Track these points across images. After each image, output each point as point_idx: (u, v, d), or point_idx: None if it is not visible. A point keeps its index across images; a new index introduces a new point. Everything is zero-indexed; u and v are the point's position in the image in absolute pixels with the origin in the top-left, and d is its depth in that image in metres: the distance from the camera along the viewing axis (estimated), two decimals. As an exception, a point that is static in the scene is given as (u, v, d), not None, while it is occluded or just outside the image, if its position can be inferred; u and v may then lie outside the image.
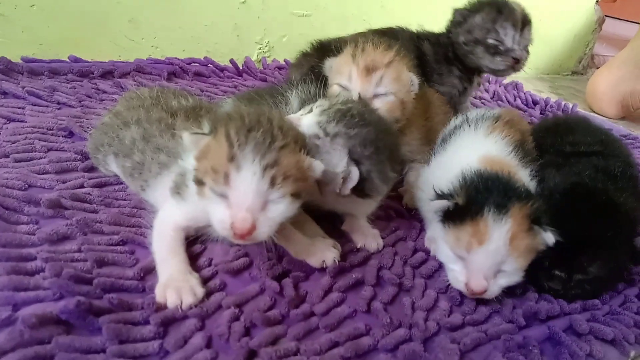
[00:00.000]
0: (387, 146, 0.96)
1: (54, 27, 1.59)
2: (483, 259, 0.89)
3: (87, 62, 1.62)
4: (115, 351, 0.72)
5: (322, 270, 0.95)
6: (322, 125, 0.92)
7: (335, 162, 0.91)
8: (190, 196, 0.88)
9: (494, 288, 0.92)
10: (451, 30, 1.56)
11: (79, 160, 1.14)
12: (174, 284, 0.83)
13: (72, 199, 1.00)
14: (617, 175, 1.07)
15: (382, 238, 1.09)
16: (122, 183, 1.09)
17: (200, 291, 0.84)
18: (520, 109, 2.12)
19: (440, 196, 0.95)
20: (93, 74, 1.58)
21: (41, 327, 0.72)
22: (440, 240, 0.97)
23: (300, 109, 1.10)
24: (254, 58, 1.97)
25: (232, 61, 1.85)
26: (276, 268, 0.92)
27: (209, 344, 0.77)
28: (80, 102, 1.42)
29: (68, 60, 1.61)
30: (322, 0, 2.04)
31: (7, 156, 1.11)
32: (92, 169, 1.13)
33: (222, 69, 1.83)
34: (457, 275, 0.93)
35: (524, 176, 1.11)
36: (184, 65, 1.75)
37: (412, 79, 1.19)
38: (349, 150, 0.92)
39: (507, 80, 2.39)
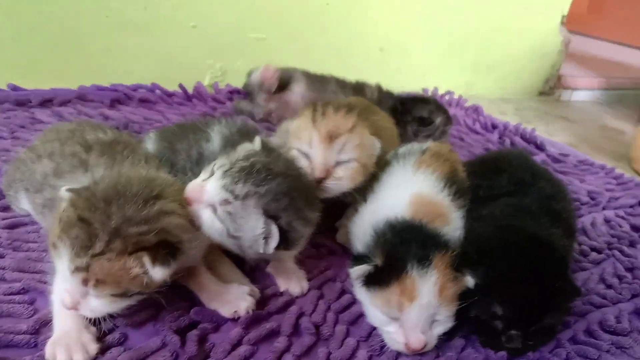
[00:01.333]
0: (301, 190, 0.93)
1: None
2: (417, 315, 0.86)
3: (25, 90, 1.57)
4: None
5: (236, 320, 0.91)
6: (229, 188, 0.87)
7: (253, 224, 0.87)
8: None
9: (432, 340, 0.89)
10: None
11: (-7, 199, 1.10)
12: (65, 341, 0.79)
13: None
14: (534, 211, 1.05)
15: (310, 279, 1.05)
16: (36, 223, 1.05)
17: (93, 348, 0.79)
18: (478, 133, 2.10)
19: (357, 259, 0.92)
20: (31, 102, 1.53)
21: None
22: (368, 306, 0.93)
23: (221, 146, 1.07)
24: (205, 83, 1.94)
25: (181, 86, 1.82)
26: (182, 319, 0.88)
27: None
28: (12, 133, 1.37)
29: (7, 88, 1.57)
30: (277, 21, 2.01)
31: None
32: (7, 208, 1.09)
33: (170, 95, 1.79)
34: (394, 336, 0.89)
35: (457, 219, 1.09)
36: (129, 91, 1.71)
37: (374, 143, 1.15)
38: (263, 210, 0.87)
39: (469, 103, 2.38)
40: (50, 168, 0.98)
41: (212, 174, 0.90)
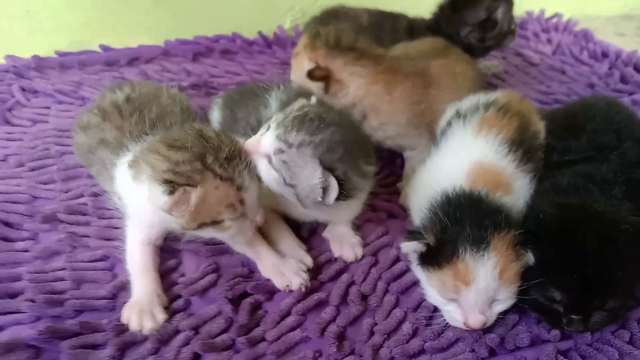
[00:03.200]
0: (355, 142, 0.93)
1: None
2: (475, 298, 0.85)
3: (114, 50, 1.68)
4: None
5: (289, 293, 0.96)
6: (282, 138, 0.89)
7: (309, 174, 0.89)
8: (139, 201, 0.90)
9: (492, 318, 0.88)
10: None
11: (84, 166, 1.22)
12: (138, 307, 0.89)
13: (67, 212, 1.08)
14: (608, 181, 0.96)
15: (366, 245, 1.07)
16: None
17: (161, 317, 0.89)
18: (585, 63, 1.89)
19: (410, 234, 0.91)
20: (120, 62, 1.64)
21: (10, 353, 0.82)
22: (425, 284, 0.92)
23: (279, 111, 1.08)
24: (286, 26, 1.92)
25: (260, 33, 1.82)
26: (238, 288, 0.95)
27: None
28: (103, 95, 1.49)
29: (100, 49, 1.68)
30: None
31: (22, 165, 1.21)
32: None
33: (250, 43, 1.81)
34: (454, 315, 0.88)
35: (522, 187, 1.02)
36: (210, 43, 1.75)
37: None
38: (319, 159, 0.89)
39: (579, 26, 2.13)
40: (86, 143, 1.08)
41: (268, 128, 0.94)
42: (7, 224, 1.04)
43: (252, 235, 0.98)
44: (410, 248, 0.89)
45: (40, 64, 1.57)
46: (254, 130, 1.04)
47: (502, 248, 0.84)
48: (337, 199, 0.91)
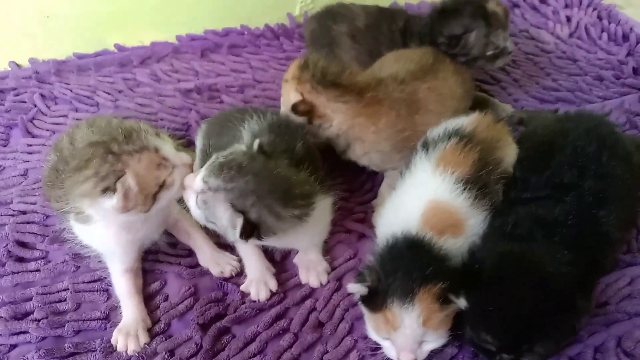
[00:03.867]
0: (273, 190, 0.99)
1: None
2: (403, 340, 0.95)
3: (128, 49, 1.78)
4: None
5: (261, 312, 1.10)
6: (205, 180, 0.98)
7: (221, 215, 0.98)
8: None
9: (422, 355, 0.97)
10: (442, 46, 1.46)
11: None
12: (125, 331, 1.05)
13: (71, 232, 1.22)
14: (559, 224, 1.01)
15: (334, 268, 1.18)
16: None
17: (143, 340, 1.04)
18: (602, 48, 1.83)
19: (359, 275, 1.00)
20: (133, 62, 1.74)
21: (18, 371, 1.00)
22: (366, 322, 1.02)
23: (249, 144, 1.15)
24: (295, 14, 1.94)
25: (266, 26, 1.86)
26: (208, 313, 1.08)
27: (138, 388, 0.99)
28: (115, 101, 1.61)
29: (114, 48, 1.78)
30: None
31: (39, 181, 1.36)
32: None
33: (258, 36, 1.86)
34: (389, 350, 0.98)
35: (476, 225, 1.08)
36: (218, 39, 1.82)
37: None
38: (230, 203, 0.97)
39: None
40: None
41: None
42: (22, 244, 1.21)
43: (194, 229, 1.18)
44: (354, 290, 0.99)
45: (59, 68, 1.69)
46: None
47: (427, 300, 0.92)
48: (252, 237, 0.99)
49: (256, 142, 1.02)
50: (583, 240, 1.02)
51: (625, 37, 1.85)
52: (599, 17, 1.97)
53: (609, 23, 1.93)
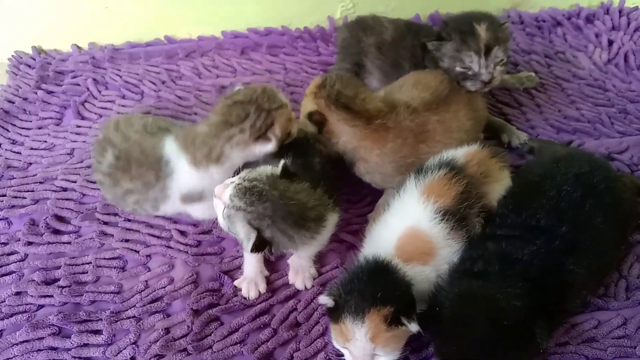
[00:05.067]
0: (287, 216, 1.11)
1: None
2: (356, 351, 1.06)
3: (176, 42, 1.93)
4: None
5: (248, 307, 1.24)
6: (232, 198, 1.11)
7: (240, 229, 1.12)
8: None
9: None
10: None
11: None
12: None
13: (102, 211, 1.41)
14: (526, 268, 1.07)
15: (321, 274, 1.30)
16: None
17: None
18: (638, 79, 1.80)
19: (330, 288, 1.11)
20: (178, 54, 1.89)
21: (38, 329, 1.20)
22: (331, 329, 1.12)
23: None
24: (336, 17, 2.02)
25: (305, 29, 1.96)
26: (202, 302, 1.23)
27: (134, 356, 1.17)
28: (157, 92, 1.77)
29: (164, 40, 1.94)
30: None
31: (82, 161, 1.55)
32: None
33: (297, 37, 1.96)
34: (348, 358, 1.09)
35: (448, 255, 1.16)
36: (258, 38, 1.94)
37: None
38: (247, 221, 1.11)
39: None
40: None
41: (234, 181, 1.15)
42: (59, 218, 1.41)
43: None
44: (322, 301, 1.10)
45: (113, 55, 1.87)
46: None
47: (375, 320, 1.02)
48: (270, 252, 1.14)
49: (281, 163, 1.14)
50: (545, 284, 1.08)
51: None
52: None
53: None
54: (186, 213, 1.34)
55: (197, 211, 1.33)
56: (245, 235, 1.11)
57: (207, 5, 1.93)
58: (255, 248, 1.10)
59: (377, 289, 1.05)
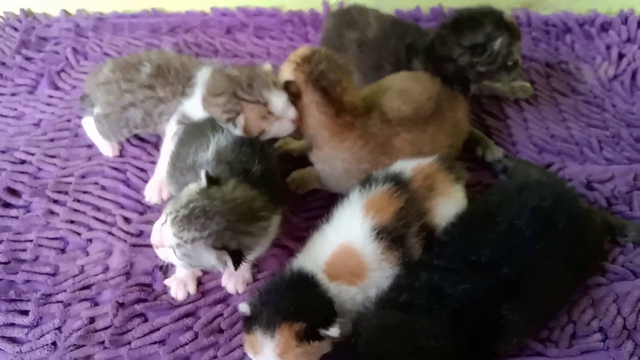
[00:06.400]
0: (240, 217, 1.06)
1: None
2: None
3: (161, 15, 1.88)
4: None
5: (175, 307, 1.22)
6: (178, 235, 1.04)
7: (207, 259, 1.07)
8: None
9: None
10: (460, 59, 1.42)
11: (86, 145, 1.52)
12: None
13: (52, 189, 1.40)
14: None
15: (256, 280, 1.27)
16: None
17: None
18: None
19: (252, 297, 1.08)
20: (162, 29, 1.85)
21: None
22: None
23: (214, 157, 1.20)
24: (332, 2, 1.93)
25: (297, 12, 1.89)
26: (131, 295, 1.22)
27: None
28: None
29: (151, 12, 1.90)
30: None
31: (45, 133, 1.54)
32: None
33: (286, 21, 1.88)
34: None
35: (380, 278, 1.11)
36: (246, 19, 1.87)
37: None
38: (212, 246, 1.04)
39: None
40: None
41: (165, 219, 1.08)
42: (12, 191, 1.41)
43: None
44: (241, 309, 1.07)
45: (97, 25, 1.85)
46: (188, 170, 1.22)
47: (285, 335, 0.98)
48: (242, 261, 1.08)
49: (202, 175, 1.09)
50: (475, 326, 1.02)
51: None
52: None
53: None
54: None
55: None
56: (217, 260, 1.06)
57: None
58: (235, 263, 1.06)
59: (291, 303, 1.02)
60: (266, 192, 1.16)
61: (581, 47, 1.84)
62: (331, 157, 1.31)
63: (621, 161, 1.50)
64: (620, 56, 1.79)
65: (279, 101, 1.23)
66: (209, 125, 1.27)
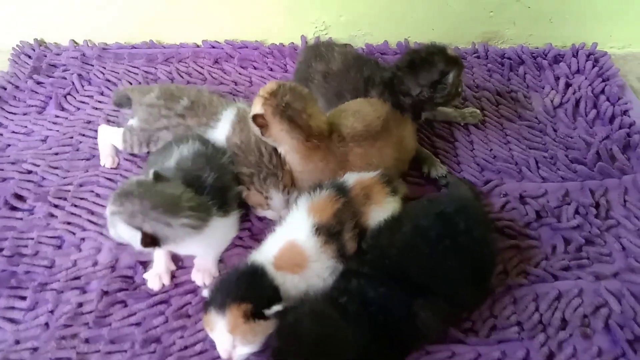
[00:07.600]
0: (157, 205, 1.26)
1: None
2: (218, 340, 1.23)
3: (158, 47, 2.13)
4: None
5: (152, 295, 1.43)
6: (109, 209, 1.30)
7: (122, 232, 1.29)
8: None
9: (237, 356, 1.23)
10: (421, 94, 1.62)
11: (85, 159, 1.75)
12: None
13: (53, 195, 1.63)
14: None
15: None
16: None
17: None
18: (583, 127, 1.85)
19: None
20: (158, 59, 2.09)
21: (-21, 289, 1.43)
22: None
23: (175, 167, 1.44)
24: (309, 37, 2.15)
25: (276, 46, 2.12)
26: (115, 285, 1.43)
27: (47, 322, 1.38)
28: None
29: (149, 44, 2.15)
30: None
31: (51, 148, 1.78)
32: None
33: (268, 53, 2.11)
34: (217, 346, 1.26)
35: (320, 268, 1.31)
36: (232, 51, 2.10)
37: None
38: (125, 223, 1.27)
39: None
40: None
41: None
42: (18, 197, 1.64)
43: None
44: (203, 294, 1.28)
45: (100, 54, 2.09)
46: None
47: (234, 313, 1.18)
48: (158, 245, 1.29)
49: (151, 172, 1.32)
50: (393, 325, 1.19)
51: (613, 119, 1.85)
52: (603, 91, 1.96)
53: (608, 100, 1.92)
54: None
55: None
56: (129, 236, 1.28)
57: (193, 15, 2.11)
58: (144, 244, 1.26)
59: (240, 288, 1.22)
60: (217, 197, 1.40)
61: (532, 78, 2.03)
62: (301, 173, 1.53)
63: (555, 179, 1.68)
64: (568, 86, 1.98)
65: (277, 202, 1.50)
66: (177, 138, 1.56)
